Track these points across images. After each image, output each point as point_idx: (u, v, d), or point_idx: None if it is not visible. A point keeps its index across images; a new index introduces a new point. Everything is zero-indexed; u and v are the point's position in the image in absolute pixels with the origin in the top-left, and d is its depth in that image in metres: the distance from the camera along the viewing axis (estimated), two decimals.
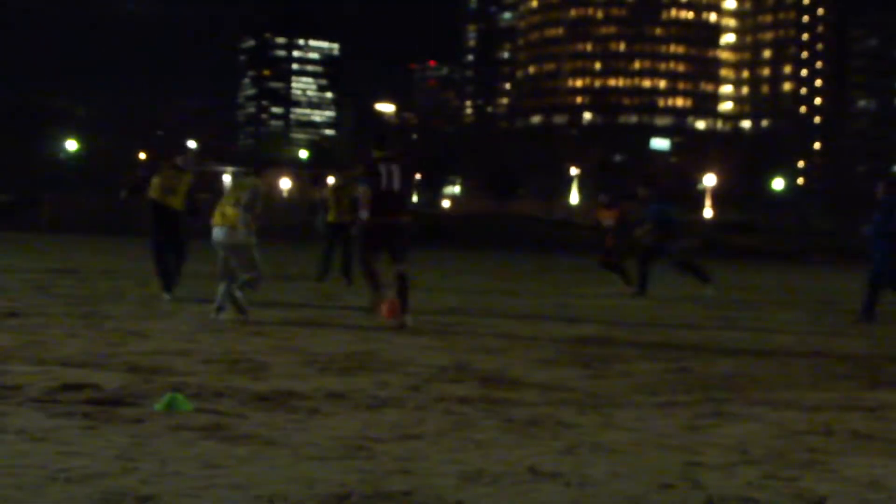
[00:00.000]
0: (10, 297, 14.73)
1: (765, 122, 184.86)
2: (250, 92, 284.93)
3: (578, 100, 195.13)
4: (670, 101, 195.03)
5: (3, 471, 5.03)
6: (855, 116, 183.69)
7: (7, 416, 6.39)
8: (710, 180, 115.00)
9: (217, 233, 13.18)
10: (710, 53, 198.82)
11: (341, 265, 20.22)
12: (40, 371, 8.18)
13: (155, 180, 15.35)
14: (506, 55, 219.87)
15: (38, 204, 64.82)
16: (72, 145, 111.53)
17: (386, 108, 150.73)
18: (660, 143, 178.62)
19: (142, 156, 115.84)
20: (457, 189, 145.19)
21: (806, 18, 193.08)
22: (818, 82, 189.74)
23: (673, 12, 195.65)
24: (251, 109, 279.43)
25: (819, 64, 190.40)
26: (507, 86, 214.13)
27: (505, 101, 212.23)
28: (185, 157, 15.96)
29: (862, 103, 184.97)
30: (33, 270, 22.07)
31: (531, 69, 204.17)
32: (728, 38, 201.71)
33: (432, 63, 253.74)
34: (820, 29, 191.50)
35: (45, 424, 6.17)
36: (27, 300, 14.54)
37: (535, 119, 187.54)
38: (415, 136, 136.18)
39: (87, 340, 10.27)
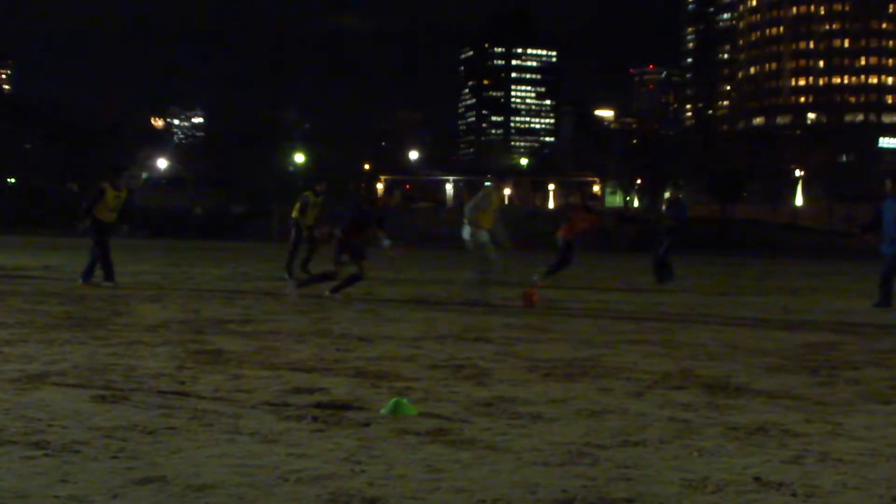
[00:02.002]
0: (245, 305, 15.29)
1: None
2: (470, 101, 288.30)
3: (801, 99, 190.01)
4: None
5: (237, 470, 5.22)
6: None
7: (241, 418, 6.63)
8: None
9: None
10: None
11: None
12: (272, 375, 8.47)
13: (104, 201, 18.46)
14: (725, 56, 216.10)
15: (268, 214, 67.19)
16: (299, 158, 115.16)
17: (605, 113, 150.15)
18: (890, 142, 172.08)
19: (366, 167, 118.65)
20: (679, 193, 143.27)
21: None
22: None
23: None
24: (471, 119, 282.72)
25: None
26: (728, 87, 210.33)
27: (726, 102, 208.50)
28: (121, 178, 19.02)
29: None
30: (265, 278, 22.88)
31: (752, 70, 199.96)
32: None
33: (651, 67, 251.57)
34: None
35: (276, 427, 6.38)
36: (260, 307, 15.06)
37: (758, 120, 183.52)
38: (635, 141, 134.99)
39: (316, 346, 10.56)
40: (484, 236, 15.09)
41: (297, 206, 22.49)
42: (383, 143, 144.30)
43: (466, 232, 15.28)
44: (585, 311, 15.60)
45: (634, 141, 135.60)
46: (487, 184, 15.64)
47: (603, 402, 7.60)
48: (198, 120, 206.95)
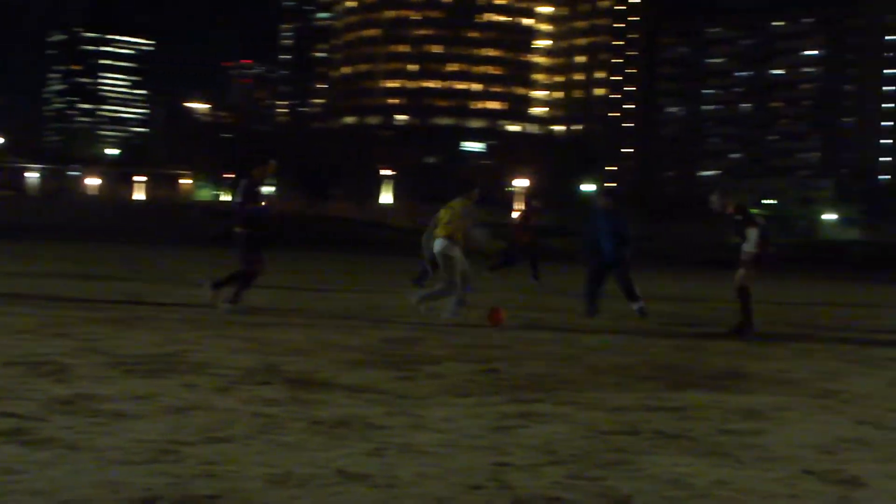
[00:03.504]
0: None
1: (577, 127, 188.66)
2: (58, 87, 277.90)
3: (392, 101, 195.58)
4: (484, 104, 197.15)
5: None
6: (665, 122, 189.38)
7: None
8: (522, 183, 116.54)
9: None
10: (525, 57, 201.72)
11: None
12: None
13: None
14: (322, 55, 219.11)
15: None
16: None
17: (198, 106, 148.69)
18: (473, 146, 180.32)
19: None
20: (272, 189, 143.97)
21: (619, 25, 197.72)
22: (630, 88, 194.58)
23: (488, 16, 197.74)
24: (60, 105, 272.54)
25: (631, 70, 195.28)
26: (323, 86, 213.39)
27: (321, 101, 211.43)
28: None
29: (672, 109, 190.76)
30: None
31: (347, 69, 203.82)
32: (543, 43, 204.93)
33: (246, 61, 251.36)
34: (632, 36, 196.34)
35: None
36: None
37: (350, 120, 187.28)
38: (227, 135, 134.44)
39: None
40: (457, 250, 14.52)
41: None
42: None
43: (439, 245, 14.62)
44: (172, 305, 15.33)
45: (227, 135, 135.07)
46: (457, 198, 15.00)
47: (188, 399, 7.49)
48: None
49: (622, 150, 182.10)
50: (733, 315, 14.90)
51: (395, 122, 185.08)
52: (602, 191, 17.99)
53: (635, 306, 16.05)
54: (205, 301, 14.73)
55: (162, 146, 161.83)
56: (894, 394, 9.34)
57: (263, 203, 15.32)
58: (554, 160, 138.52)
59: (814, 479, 5.78)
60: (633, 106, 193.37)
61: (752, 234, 14.32)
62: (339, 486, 5.15)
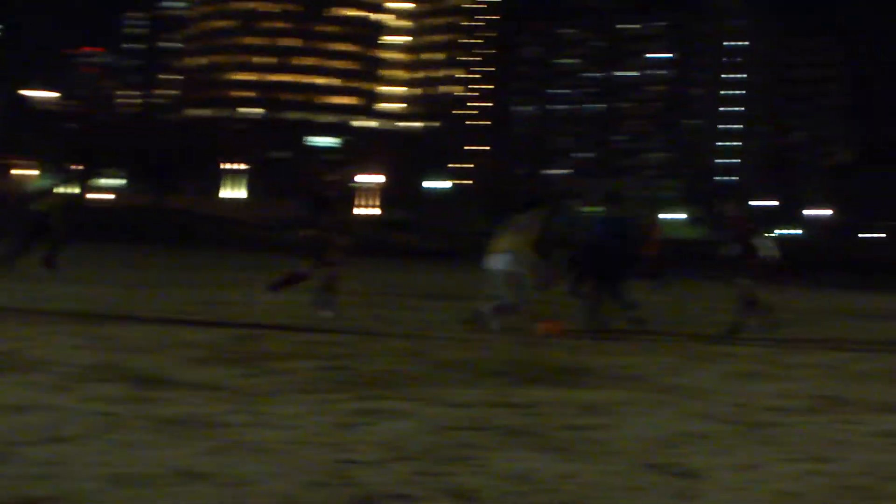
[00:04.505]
0: None
1: (429, 124, 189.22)
2: None
3: (244, 94, 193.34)
4: (336, 99, 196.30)
5: None
6: (517, 121, 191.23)
7: None
8: (371, 179, 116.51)
9: None
10: (378, 53, 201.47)
11: None
12: None
13: None
14: (172, 45, 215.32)
15: None
16: None
17: (40, 94, 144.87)
18: (323, 141, 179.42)
19: None
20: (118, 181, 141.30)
21: (474, 23, 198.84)
22: (483, 86, 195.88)
23: (341, 10, 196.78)
24: None
25: (485, 68, 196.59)
26: (174, 77, 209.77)
27: (170, 92, 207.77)
28: None
29: (524, 108, 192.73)
30: None
31: (198, 60, 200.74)
32: (397, 39, 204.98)
33: (92, 49, 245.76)
34: (487, 34, 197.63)
35: None
36: None
37: (199, 112, 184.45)
38: (72, 125, 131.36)
39: None
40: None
41: None
42: None
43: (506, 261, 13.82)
44: (10, 303, 14.89)
45: (72, 125, 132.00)
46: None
47: (26, 397, 7.29)
48: None
49: (474, 147, 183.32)
50: (580, 311, 15.06)
51: (245, 115, 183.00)
52: (611, 197, 17.59)
53: (628, 315, 15.48)
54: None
55: (2, 135, 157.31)
56: (730, 387, 9.58)
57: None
58: (405, 157, 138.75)
59: (654, 471, 5.90)
60: (487, 104, 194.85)
61: (765, 241, 14.79)
62: (182, 485, 5.07)
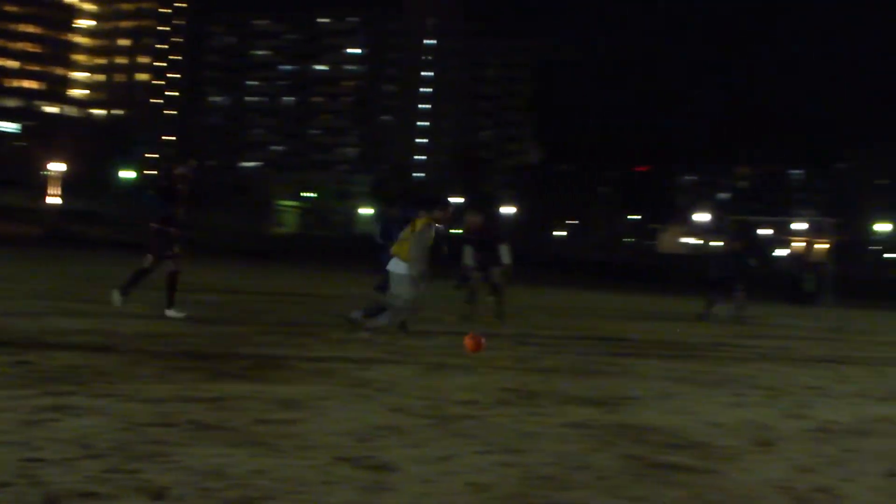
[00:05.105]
0: None
1: (115, 112, 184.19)
2: None
3: None
4: (20, 83, 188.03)
5: None
6: (209, 111, 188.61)
7: None
8: (57, 167, 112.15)
9: None
10: (66, 37, 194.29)
11: None
12: None
13: None
14: None
15: None
16: None
17: None
18: (7, 126, 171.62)
19: None
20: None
21: (165, 10, 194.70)
22: (174, 75, 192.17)
23: None
24: None
25: (176, 57, 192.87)
26: None
27: None
28: None
29: (216, 99, 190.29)
30: None
31: None
32: (86, 23, 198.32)
33: None
34: (179, 22, 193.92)
35: None
36: None
37: None
38: None
39: None
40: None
41: None
42: None
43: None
44: None
45: None
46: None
47: None
48: None
49: (164, 137, 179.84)
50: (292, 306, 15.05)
51: None
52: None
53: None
54: None
55: None
56: (423, 381, 9.78)
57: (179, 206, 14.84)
58: (92, 145, 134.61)
59: (348, 465, 5.95)
60: (177, 93, 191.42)
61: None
62: None
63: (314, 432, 6.91)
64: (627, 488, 5.84)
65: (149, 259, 14.91)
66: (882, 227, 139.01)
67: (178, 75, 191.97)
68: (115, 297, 15.32)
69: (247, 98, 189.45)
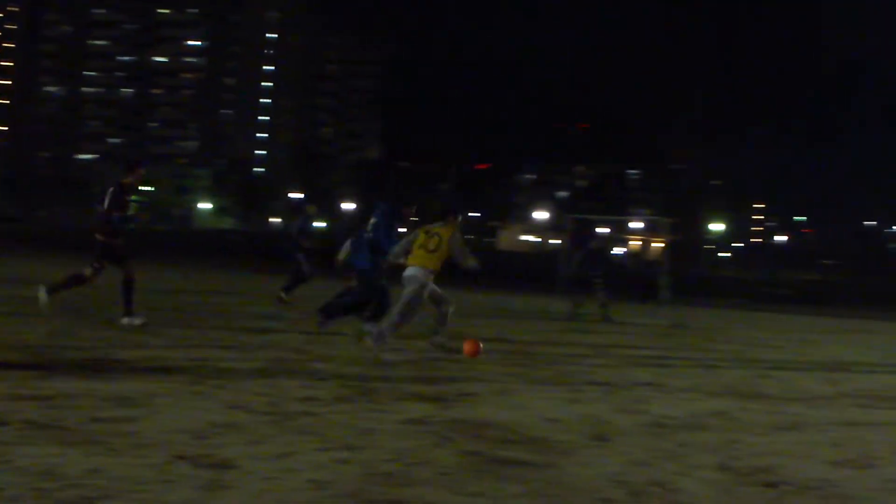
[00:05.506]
0: None
1: None
2: None
3: None
4: None
5: None
6: (44, 101, 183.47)
7: None
8: None
9: None
10: None
11: None
12: None
13: None
14: None
15: None
16: None
17: None
18: None
19: None
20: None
21: None
22: (7, 63, 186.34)
23: None
24: None
25: (10, 45, 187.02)
26: None
27: None
28: None
29: (51, 89, 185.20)
30: None
31: None
32: None
33: None
34: (13, 9, 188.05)
35: None
36: None
37: None
38: None
39: None
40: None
41: None
42: None
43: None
44: None
45: None
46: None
47: None
48: None
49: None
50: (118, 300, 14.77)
51: None
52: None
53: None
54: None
55: None
56: (262, 378, 9.71)
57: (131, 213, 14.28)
58: None
59: (186, 463, 5.90)
60: (9, 82, 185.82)
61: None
62: None
63: (151, 430, 6.82)
64: (466, 484, 5.91)
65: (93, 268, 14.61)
66: (716, 227, 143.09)
67: (11, 63, 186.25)
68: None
69: (84, 89, 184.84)
